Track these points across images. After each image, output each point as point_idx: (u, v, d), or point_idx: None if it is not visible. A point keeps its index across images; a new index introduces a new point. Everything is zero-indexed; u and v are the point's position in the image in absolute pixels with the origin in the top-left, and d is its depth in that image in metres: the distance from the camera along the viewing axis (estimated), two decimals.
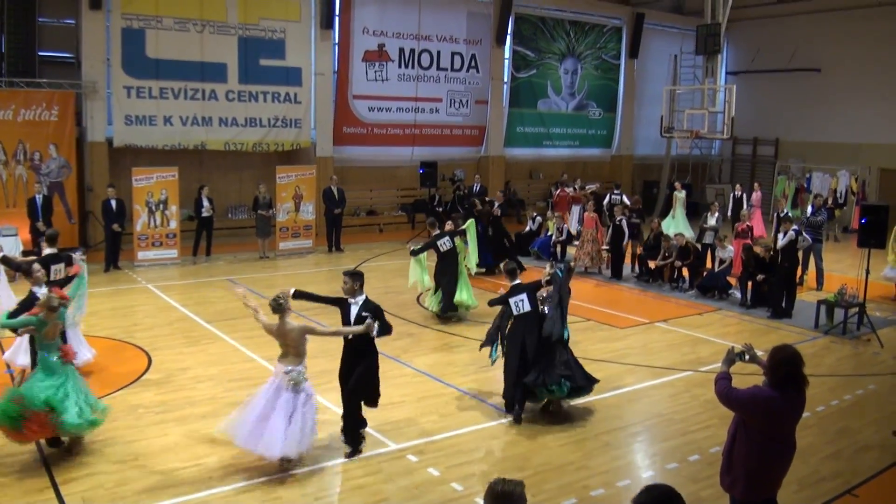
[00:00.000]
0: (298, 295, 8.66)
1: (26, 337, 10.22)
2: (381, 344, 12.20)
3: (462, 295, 14.59)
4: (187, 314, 14.49)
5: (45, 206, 18.10)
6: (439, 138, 27.18)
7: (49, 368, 8.21)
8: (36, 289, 9.49)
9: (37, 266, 9.85)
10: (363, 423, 8.89)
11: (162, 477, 7.91)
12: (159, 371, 11.19)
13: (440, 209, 23.95)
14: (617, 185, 24.42)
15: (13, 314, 8.82)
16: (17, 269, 10.87)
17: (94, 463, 8.20)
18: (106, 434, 8.88)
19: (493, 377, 11.24)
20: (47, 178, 19.85)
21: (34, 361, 8.77)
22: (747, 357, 6.00)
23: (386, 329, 8.88)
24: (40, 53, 20.41)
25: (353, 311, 8.75)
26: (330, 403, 9.96)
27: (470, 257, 15.24)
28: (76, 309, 11.05)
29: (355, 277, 8.78)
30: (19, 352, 10.40)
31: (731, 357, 5.99)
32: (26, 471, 8.01)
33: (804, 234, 16.09)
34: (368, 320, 8.49)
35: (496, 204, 20.14)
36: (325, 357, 11.91)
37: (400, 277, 16.73)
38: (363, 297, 8.85)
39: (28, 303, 9.23)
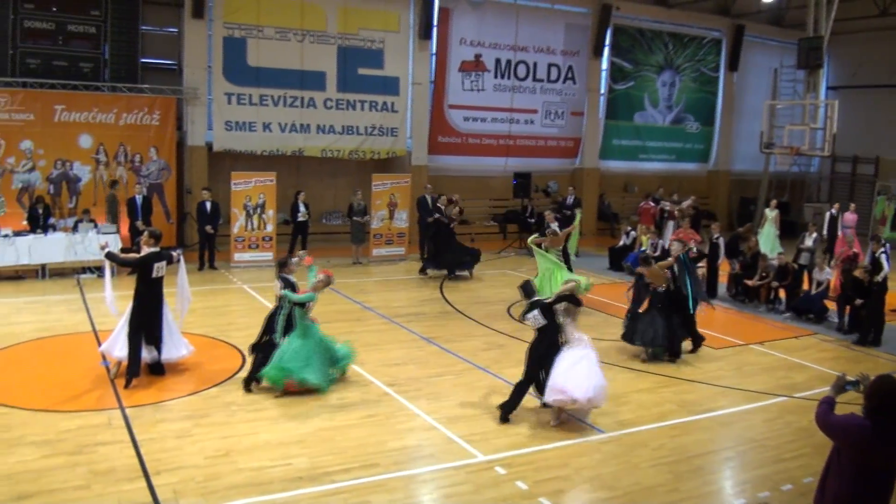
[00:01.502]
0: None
1: (124, 331, 10.52)
2: (471, 354, 12.30)
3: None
4: None
5: (144, 206, 18.77)
6: (534, 149, 27.06)
7: (306, 331, 10.42)
8: (287, 276, 10.80)
9: (295, 260, 11.47)
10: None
11: (252, 474, 7.95)
12: None
13: (532, 220, 23.80)
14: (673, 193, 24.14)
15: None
16: (122, 265, 11.21)
17: (186, 456, 8.30)
18: (198, 429, 9.05)
19: None
20: (147, 179, 20.52)
21: (287, 331, 10.53)
22: (862, 388, 5.62)
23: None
24: (143, 60, 21.10)
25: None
26: (420, 411, 9.94)
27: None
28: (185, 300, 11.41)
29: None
30: (116, 345, 10.66)
31: (841, 384, 5.67)
32: (120, 459, 8.16)
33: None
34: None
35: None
36: (414, 364, 11.96)
37: (490, 288, 16.67)
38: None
39: (291, 286, 10.64)
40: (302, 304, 10.36)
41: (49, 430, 8.88)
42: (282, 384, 10.24)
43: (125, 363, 10.50)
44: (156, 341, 10.72)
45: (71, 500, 7.31)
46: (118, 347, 10.57)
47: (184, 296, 11.52)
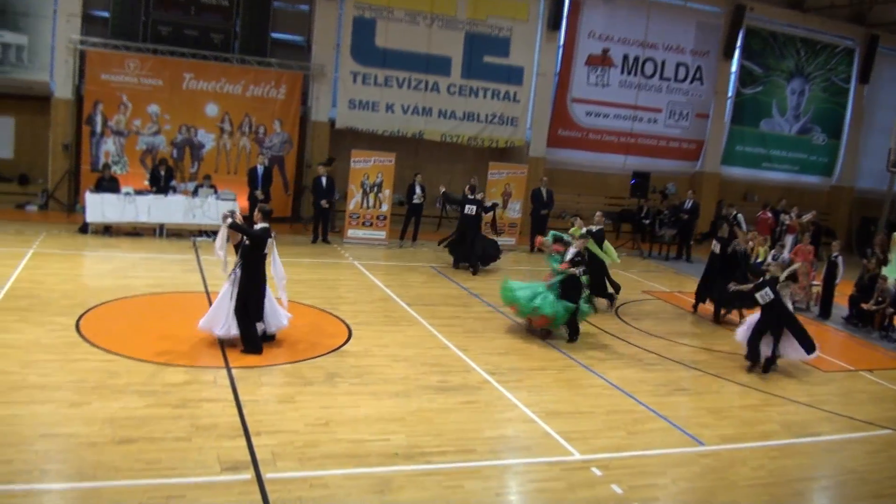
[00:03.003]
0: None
1: (222, 308, 10.53)
2: (574, 350, 12.23)
3: None
4: (389, 294, 14.81)
5: (265, 176, 19.22)
6: (654, 149, 26.57)
7: None
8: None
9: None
10: None
11: (349, 446, 8.04)
12: (358, 345, 11.46)
13: (647, 221, 23.41)
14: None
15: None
16: (244, 234, 10.94)
17: (286, 421, 8.46)
18: (301, 396, 9.22)
19: (686, 402, 10.84)
20: (269, 150, 21.09)
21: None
22: None
23: None
24: (273, 35, 21.65)
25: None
26: (519, 402, 9.88)
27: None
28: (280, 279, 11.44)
29: None
30: (216, 322, 10.61)
31: None
32: (222, 416, 8.37)
33: None
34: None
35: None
36: (517, 355, 11.90)
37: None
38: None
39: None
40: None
41: (155, 381, 9.18)
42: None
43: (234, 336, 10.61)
44: (260, 316, 10.81)
45: (171, 450, 7.51)
46: (218, 325, 10.60)
47: (279, 274, 11.30)
